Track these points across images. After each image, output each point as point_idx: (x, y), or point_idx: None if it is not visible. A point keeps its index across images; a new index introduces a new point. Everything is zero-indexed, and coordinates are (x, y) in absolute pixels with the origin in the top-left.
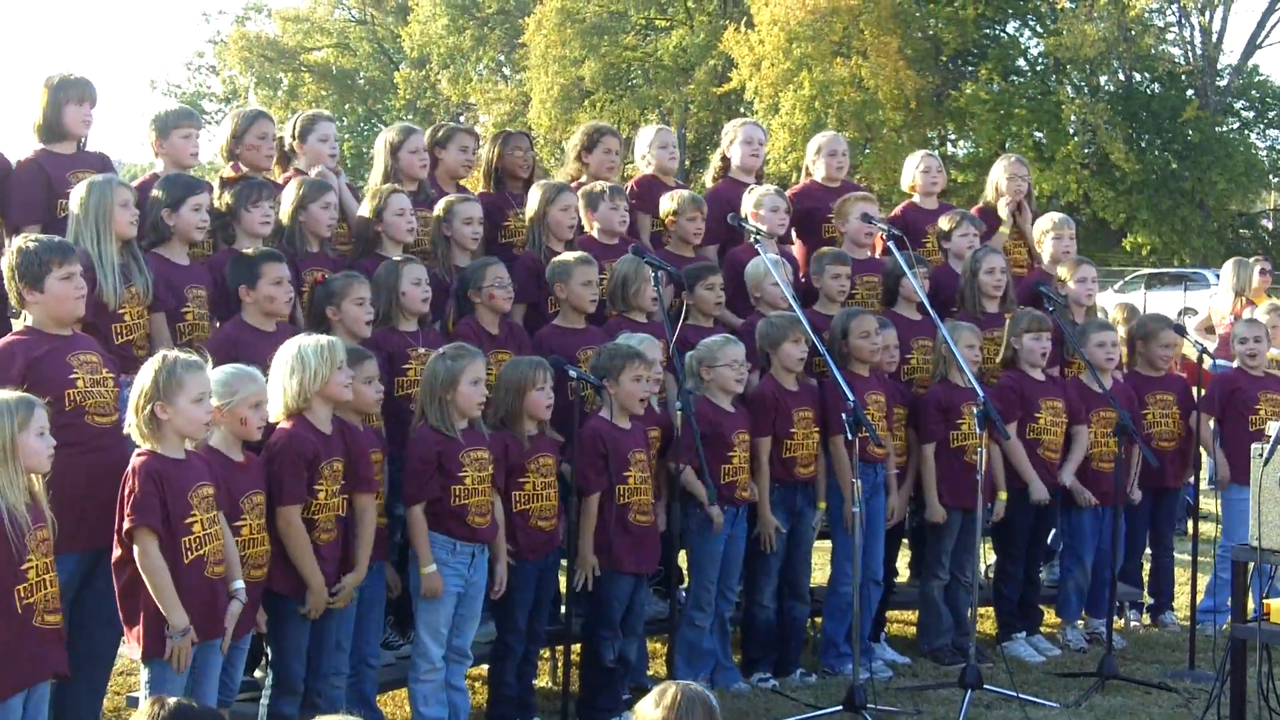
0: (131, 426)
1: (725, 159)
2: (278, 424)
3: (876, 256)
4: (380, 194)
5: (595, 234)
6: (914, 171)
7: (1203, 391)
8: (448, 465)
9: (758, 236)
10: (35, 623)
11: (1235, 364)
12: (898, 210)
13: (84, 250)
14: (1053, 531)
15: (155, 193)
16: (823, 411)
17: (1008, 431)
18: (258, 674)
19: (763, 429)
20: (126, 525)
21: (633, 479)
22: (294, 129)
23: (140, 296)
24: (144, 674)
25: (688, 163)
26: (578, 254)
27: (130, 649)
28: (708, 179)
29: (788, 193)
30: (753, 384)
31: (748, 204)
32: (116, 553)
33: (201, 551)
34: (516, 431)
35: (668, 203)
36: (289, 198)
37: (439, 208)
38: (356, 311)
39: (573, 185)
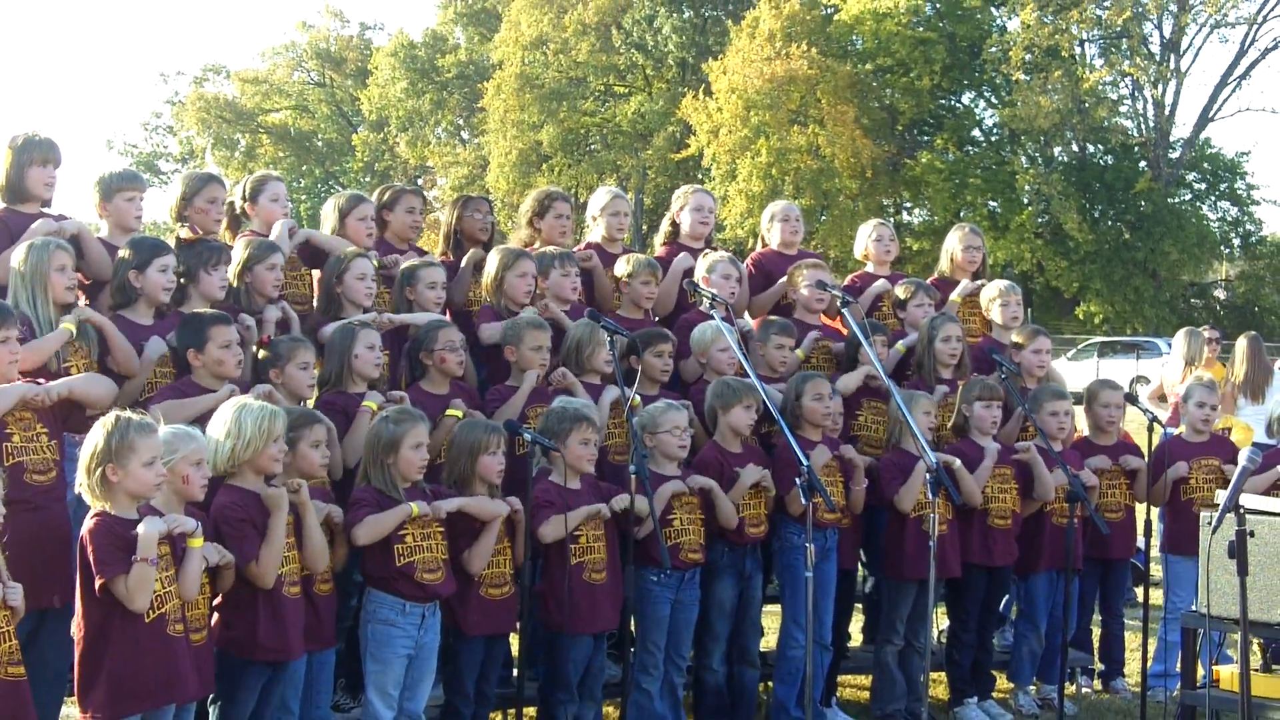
0: (82, 487)
1: (675, 224)
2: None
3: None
4: (344, 257)
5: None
6: (867, 240)
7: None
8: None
9: (712, 302)
10: (2, 675)
11: (1180, 429)
12: (851, 278)
13: (24, 313)
14: (1004, 597)
15: (122, 253)
16: (774, 474)
17: (958, 495)
18: None
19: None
20: (99, 583)
21: (584, 537)
22: (244, 191)
23: (85, 352)
24: None
25: (644, 227)
26: (530, 317)
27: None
28: (658, 243)
29: (746, 260)
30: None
31: (700, 270)
32: (77, 620)
33: (163, 610)
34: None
35: (622, 265)
36: (235, 259)
37: (402, 269)
38: (300, 375)
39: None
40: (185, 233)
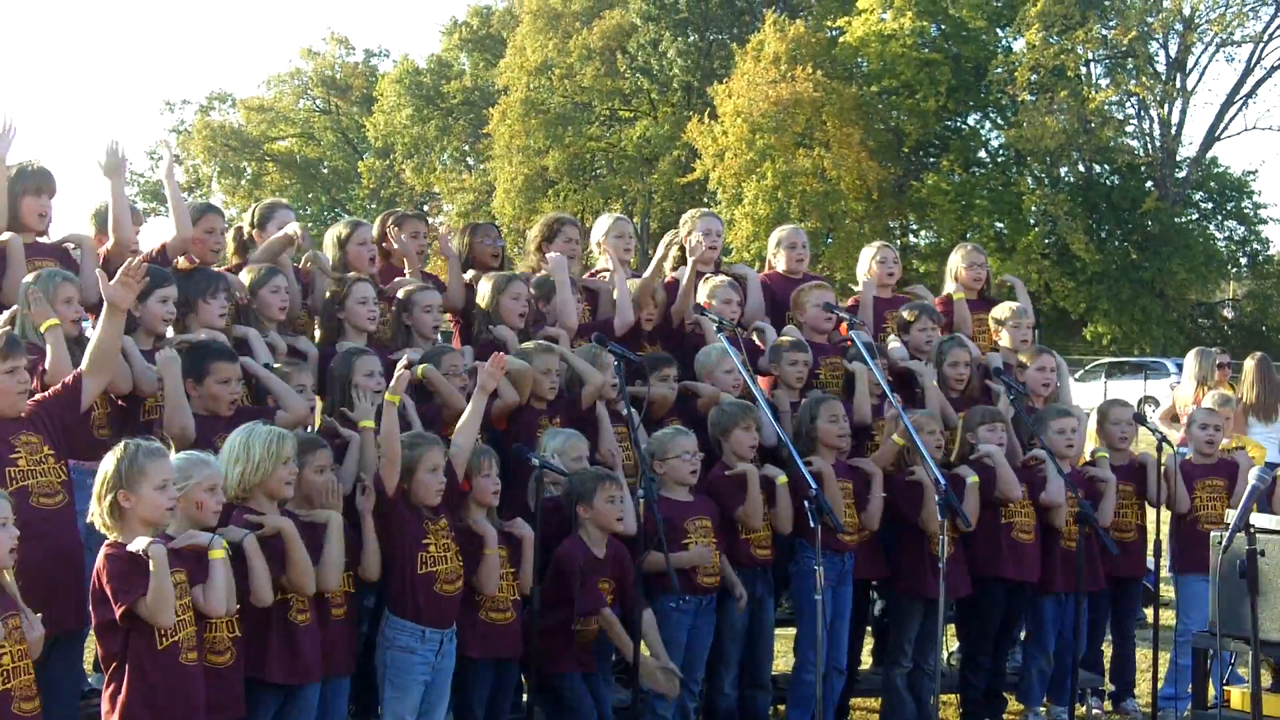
0: (94, 516)
1: (683, 249)
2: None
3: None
4: (345, 281)
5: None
6: (870, 263)
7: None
8: (412, 536)
9: (720, 326)
10: (14, 710)
11: (1188, 451)
12: (853, 300)
13: (31, 344)
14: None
15: None
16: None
17: (970, 520)
18: None
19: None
20: (119, 611)
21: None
22: (252, 217)
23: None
24: None
25: (650, 252)
26: (536, 343)
27: None
28: (666, 268)
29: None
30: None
31: (701, 294)
32: (100, 650)
33: (176, 638)
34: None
35: None
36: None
37: (399, 295)
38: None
39: (532, 276)
40: (183, 261)
